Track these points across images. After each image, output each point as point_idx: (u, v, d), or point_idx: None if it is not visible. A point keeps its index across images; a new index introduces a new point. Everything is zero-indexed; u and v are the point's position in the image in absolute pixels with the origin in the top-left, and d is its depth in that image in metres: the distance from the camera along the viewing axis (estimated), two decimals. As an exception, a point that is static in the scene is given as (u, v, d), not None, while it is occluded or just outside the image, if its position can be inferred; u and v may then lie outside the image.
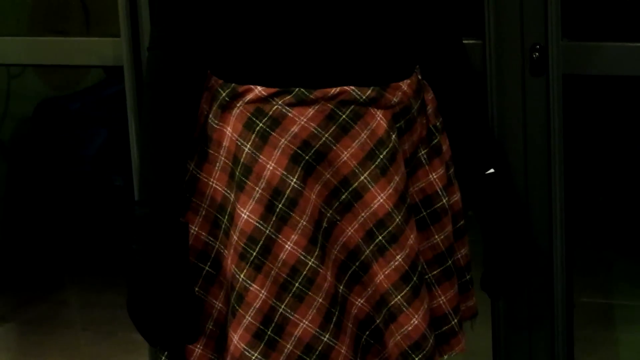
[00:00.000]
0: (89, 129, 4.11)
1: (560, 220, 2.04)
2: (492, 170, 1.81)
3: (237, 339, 1.61)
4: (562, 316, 2.10)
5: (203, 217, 1.66)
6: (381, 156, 1.62)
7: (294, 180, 1.59)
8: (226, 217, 1.63)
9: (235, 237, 1.60)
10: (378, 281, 1.64)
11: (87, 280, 4.06)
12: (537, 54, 1.98)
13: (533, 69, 2.00)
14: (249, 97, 1.61)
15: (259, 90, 1.61)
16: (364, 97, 1.62)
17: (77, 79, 4.25)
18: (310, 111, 1.60)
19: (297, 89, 1.60)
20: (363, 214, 1.62)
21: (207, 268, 1.66)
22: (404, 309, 1.63)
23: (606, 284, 3.69)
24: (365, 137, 1.62)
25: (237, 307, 1.61)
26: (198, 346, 1.69)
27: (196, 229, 1.66)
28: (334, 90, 1.60)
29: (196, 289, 1.67)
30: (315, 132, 1.60)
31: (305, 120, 1.60)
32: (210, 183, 1.65)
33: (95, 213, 4.08)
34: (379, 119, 1.63)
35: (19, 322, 3.89)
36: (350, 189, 1.62)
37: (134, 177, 2.36)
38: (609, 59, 2.03)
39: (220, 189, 1.65)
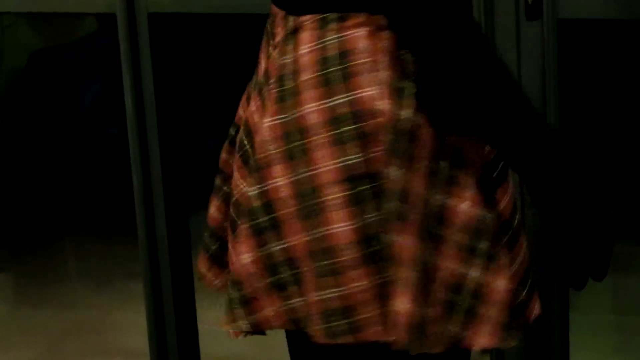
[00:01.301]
0: (83, 79, 4.12)
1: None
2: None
3: None
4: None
5: None
6: None
7: None
8: None
9: None
10: None
11: (83, 231, 4.10)
12: (532, -2, 1.98)
13: (528, 13, 1.99)
14: None
15: None
16: None
17: (71, 29, 4.26)
18: None
19: None
20: None
21: None
22: None
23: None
24: None
25: None
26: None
27: None
28: None
29: None
30: None
31: None
32: None
33: (91, 163, 4.10)
34: None
35: (15, 273, 3.95)
36: None
37: (129, 127, 2.38)
38: (604, 3, 2.04)
39: None
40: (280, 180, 1.42)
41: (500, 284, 1.43)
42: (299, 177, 1.41)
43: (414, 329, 1.42)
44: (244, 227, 1.46)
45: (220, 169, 1.61)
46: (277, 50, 1.44)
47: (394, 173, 1.39)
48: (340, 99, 1.40)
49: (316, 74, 1.41)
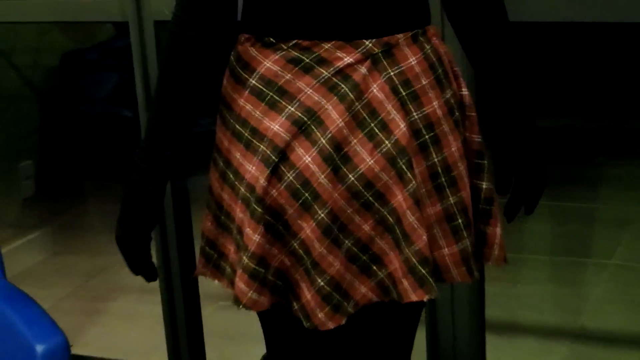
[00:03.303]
0: (103, 75, 4.43)
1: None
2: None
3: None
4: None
5: None
6: None
7: None
8: None
9: None
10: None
11: (104, 192, 4.39)
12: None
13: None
14: None
15: None
16: None
17: (94, 34, 4.52)
18: None
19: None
20: None
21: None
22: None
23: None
24: None
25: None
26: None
27: None
28: None
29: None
30: None
31: None
32: None
33: (110, 139, 4.42)
34: None
35: (52, 226, 4.27)
36: None
37: (140, 110, 2.63)
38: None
39: None
40: (417, 169, 1.53)
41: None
42: (433, 161, 1.56)
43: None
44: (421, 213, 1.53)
45: (260, 197, 1.48)
46: (358, 70, 1.50)
47: (479, 139, 1.65)
48: (449, 93, 1.58)
49: (431, 78, 1.55)
